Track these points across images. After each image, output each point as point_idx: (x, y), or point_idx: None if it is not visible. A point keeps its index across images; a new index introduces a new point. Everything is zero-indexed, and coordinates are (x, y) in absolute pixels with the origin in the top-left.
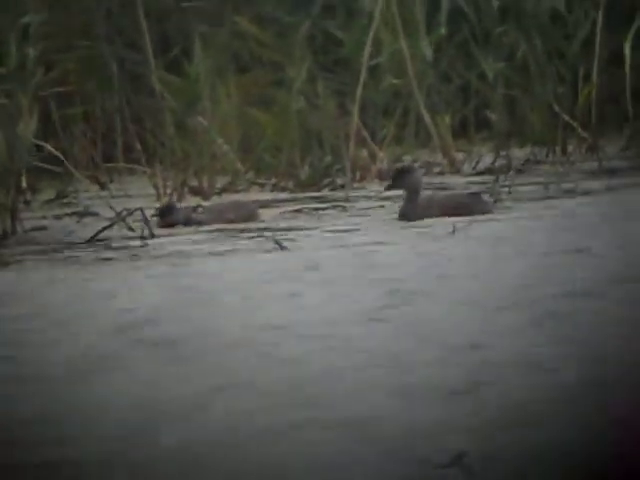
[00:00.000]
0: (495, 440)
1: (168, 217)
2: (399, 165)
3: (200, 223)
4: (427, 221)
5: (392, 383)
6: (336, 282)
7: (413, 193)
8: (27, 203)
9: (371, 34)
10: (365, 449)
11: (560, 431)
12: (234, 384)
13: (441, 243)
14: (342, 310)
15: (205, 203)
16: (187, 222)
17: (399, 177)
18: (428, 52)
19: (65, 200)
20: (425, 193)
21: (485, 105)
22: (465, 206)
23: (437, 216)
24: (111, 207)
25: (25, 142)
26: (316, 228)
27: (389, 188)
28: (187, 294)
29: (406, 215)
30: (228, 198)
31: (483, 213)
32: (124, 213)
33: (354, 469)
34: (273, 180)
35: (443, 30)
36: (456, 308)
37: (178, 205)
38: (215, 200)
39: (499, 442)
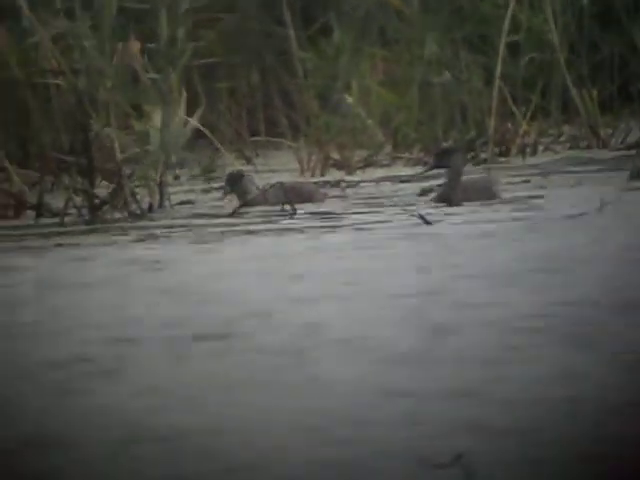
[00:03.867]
0: (495, 440)
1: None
2: (442, 146)
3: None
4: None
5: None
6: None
7: (455, 175)
8: (177, 178)
9: (510, 11)
10: (365, 449)
11: (561, 430)
12: None
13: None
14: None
15: (348, 178)
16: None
17: (442, 157)
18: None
19: (212, 174)
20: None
21: (636, 77)
22: (489, 190)
23: (470, 200)
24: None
25: (182, 121)
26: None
27: (431, 168)
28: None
29: (447, 198)
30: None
31: (496, 197)
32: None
33: (354, 469)
34: (416, 154)
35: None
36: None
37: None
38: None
39: (499, 442)
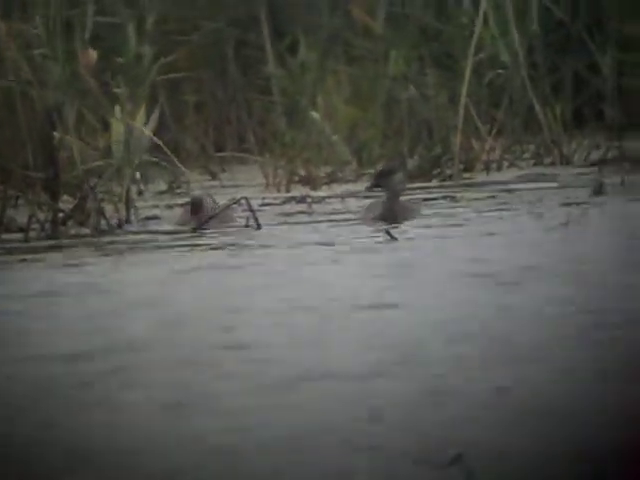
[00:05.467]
0: (495, 440)
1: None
2: (383, 165)
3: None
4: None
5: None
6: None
7: (394, 195)
8: (140, 194)
9: (477, 32)
10: (365, 449)
11: (562, 429)
12: None
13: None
14: None
15: (313, 193)
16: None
17: (382, 177)
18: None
19: (178, 191)
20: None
21: (597, 96)
22: (413, 211)
23: (404, 220)
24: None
25: (141, 134)
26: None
27: (371, 188)
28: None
29: (387, 217)
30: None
31: (419, 215)
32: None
33: (354, 469)
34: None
35: (535, 26)
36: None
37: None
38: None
39: (499, 442)
